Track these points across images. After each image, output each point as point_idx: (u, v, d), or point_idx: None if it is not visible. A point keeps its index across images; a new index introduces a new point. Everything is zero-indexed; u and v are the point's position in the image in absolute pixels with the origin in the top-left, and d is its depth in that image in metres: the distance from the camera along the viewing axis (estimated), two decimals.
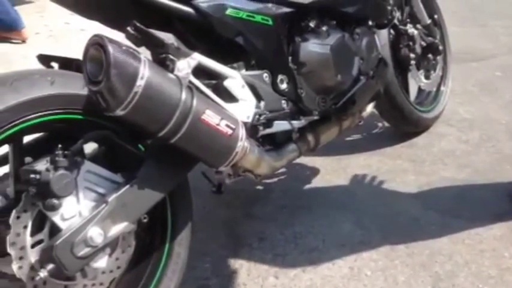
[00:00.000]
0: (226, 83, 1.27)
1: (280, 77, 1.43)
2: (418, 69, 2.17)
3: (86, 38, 1.05)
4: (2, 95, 1.00)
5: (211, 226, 1.74)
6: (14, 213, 1.01)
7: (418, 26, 2.10)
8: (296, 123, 1.47)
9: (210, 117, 1.13)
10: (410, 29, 2.05)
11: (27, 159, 1.11)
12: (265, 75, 1.39)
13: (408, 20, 2.07)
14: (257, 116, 1.32)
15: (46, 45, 3.23)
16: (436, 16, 2.22)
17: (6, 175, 1.11)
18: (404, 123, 2.17)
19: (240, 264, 1.57)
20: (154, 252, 1.26)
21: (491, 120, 2.35)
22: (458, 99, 2.56)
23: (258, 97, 1.35)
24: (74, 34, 3.24)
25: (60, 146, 1.04)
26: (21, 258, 1.02)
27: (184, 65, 1.15)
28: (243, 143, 1.20)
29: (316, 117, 1.53)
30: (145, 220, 1.17)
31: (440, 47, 2.18)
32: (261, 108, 1.35)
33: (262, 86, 1.37)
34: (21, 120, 1.02)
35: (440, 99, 2.32)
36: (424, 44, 2.12)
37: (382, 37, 1.87)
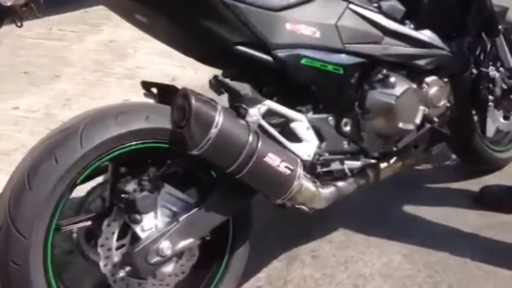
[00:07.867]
0: (293, 125, 1.45)
1: (344, 120, 1.57)
2: (497, 109, 2.19)
3: None
4: (108, 126, 1.26)
5: (270, 239, 1.93)
6: (106, 222, 1.27)
7: (501, 68, 2.11)
8: (356, 163, 1.62)
9: (272, 159, 1.32)
10: (492, 71, 2.08)
11: (122, 169, 1.37)
12: (330, 118, 1.54)
13: (491, 62, 2.09)
14: (317, 156, 1.49)
15: None
16: None
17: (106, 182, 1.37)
18: (475, 161, 2.21)
19: (291, 278, 1.76)
20: (214, 262, 1.48)
21: None
22: None
23: (321, 138, 1.51)
24: None
25: (149, 170, 1.29)
26: (107, 257, 1.28)
27: (255, 112, 1.34)
28: (299, 181, 1.38)
29: (376, 158, 1.66)
30: (208, 238, 1.39)
31: None
32: (322, 149, 1.51)
33: (326, 128, 1.53)
34: (120, 147, 1.27)
35: None
36: (505, 86, 2.13)
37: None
